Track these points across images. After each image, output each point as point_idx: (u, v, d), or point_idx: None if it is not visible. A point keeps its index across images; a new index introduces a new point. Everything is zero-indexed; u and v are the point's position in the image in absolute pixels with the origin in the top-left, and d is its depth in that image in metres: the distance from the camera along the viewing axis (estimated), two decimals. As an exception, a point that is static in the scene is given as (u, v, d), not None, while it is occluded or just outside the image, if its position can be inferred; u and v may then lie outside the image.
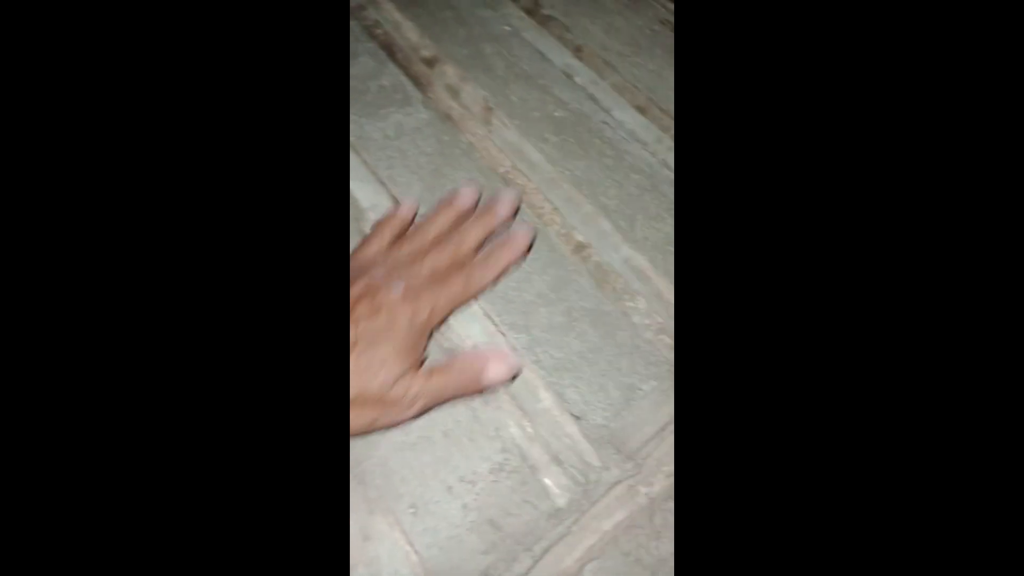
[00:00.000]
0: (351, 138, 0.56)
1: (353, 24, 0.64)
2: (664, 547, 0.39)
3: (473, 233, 0.46)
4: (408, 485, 0.41)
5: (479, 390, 0.41)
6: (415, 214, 0.49)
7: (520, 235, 0.47)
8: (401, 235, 0.47)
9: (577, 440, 0.42)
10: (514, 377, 0.43)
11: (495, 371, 0.40)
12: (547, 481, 0.41)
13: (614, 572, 0.38)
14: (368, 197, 0.53)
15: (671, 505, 0.40)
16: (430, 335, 0.43)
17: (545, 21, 0.65)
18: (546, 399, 0.44)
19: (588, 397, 0.44)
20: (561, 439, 0.42)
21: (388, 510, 0.40)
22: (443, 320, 0.44)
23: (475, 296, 0.45)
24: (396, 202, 0.53)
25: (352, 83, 0.60)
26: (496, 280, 0.46)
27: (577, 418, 0.43)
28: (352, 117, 0.58)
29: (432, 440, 0.42)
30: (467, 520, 0.40)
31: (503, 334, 0.46)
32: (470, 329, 0.47)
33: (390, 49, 0.63)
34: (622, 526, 0.39)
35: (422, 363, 0.41)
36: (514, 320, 0.47)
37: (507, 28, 0.65)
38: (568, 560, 0.39)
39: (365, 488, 0.41)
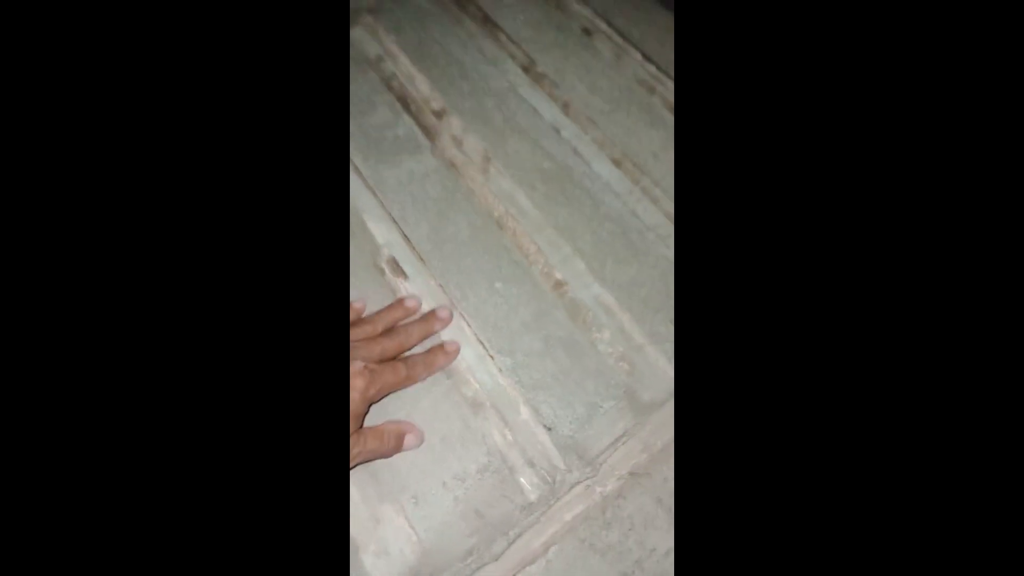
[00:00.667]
0: (370, 181, 0.65)
1: (373, 75, 0.73)
2: (612, 535, 0.48)
3: (416, 333, 0.53)
4: (411, 480, 0.50)
5: (398, 452, 0.50)
6: (364, 308, 0.57)
7: (454, 346, 0.55)
8: (356, 322, 0.54)
9: (548, 447, 0.51)
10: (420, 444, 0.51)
11: (412, 440, 0.49)
12: (522, 480, 0.50)
13: (571, 554, 0.47)
14: (383, 234, 0.62)
15: (620, 502, 0.49)
16: (370, 406, 0.50)
17: (539, 78, 0.74)
18: (524, 412, 0.53)
19: (558, 412, 0.53)
20: (535, 446, 0.51)
21: (395, 500, 0.49)
22: (382, 398, 0.51)
23: (411, 384, 0.52)
24: (407, 240, 0.61)
25: (371, 132, 0.68)
26: (429, 375, 0.53)
27: (548, 429, 0.52)
28: (371, 163, 0.66)
29: (432, 444, 0.51)
30: (457, 509, 0.49)
31: (491, 356, 0.55)
32: (464, 352, 0.56)
33: (404, 101, 0.71)
34: (580, 517, 0.49)
35: (361, 427, 0.49)
36: (501, 345, 0.56)
37: (506, 84, 0.73)
38: (536, 543, 0.48)
39: (377, 482, 0.50)
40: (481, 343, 0.56)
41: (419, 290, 0.58)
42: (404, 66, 0.73)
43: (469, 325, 0.56)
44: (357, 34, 0.76)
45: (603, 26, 0.78)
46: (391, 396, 0.52)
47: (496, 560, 0.47)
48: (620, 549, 0.48)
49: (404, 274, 0.59)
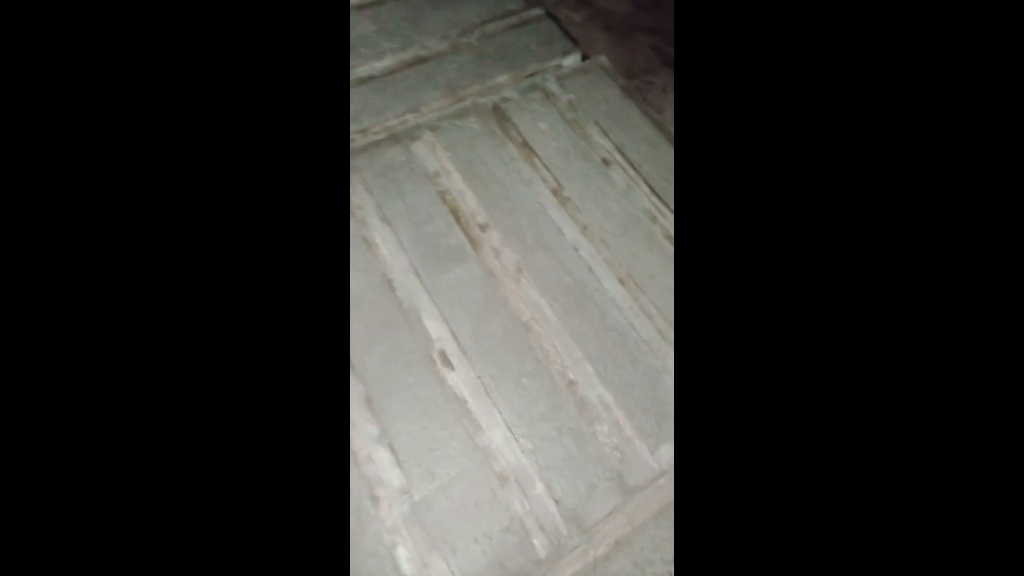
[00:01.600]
0: (427, 284, 0.79)
1: (431, 189, 0.87)
2: (600, 588, 0.63)
3: None
4: (451, 534, 0.64)
5: None
6: None
7: None
8: None
9: (556, 516, 0.66)
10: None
11: None
12: (535, 541, 0.65)
13: (568, 600, 0.62)
14: (436, 330, 0.76)
15: (607, 563, 0.64)
16: None
17: (564, 201, 0.89)
18: (539, 487, 0.68)
19: (565, 488, 0.68)
20: (546, 514, 0.66)
21: (439, 549, 0.63)
22: None
23: None
24: (455, 336, 0.76)
25: (428, 240, 0.83)
26: None
27: (557, 502, 0.67)
28: (428, 268, 0.81)
29: (467, 506, 0.66)
30: (484, 560, 0.63)
31: (516, 440, 0.70)
32: (495, 433, 0.70)
33: (456, 214, 0.86)
34: (576, 574, 0.63)
35: None
36: (524, 430, 0.71)
37: (537, 204, 0.88)
38: (542, 591, 0.62)
39: (426, 533, 0.64)
40: (508, 428, 0.70)
41: (462, 379, 0.73)
42: (456, 182, 0.89)
43: (500, 412, 0.71)
44: (419, 148, 0.91)
45: (619, 158, 0.94)
46: (438, 459, 0.67)
47: (512, 602, 0.61)
48: (604, 599, 0.62)
49: (451, 366, 0.74)
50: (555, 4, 1.13)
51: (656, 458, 0.70)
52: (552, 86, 1.00)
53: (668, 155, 0.95)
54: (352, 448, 0.67)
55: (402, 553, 0.62)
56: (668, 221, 0.88)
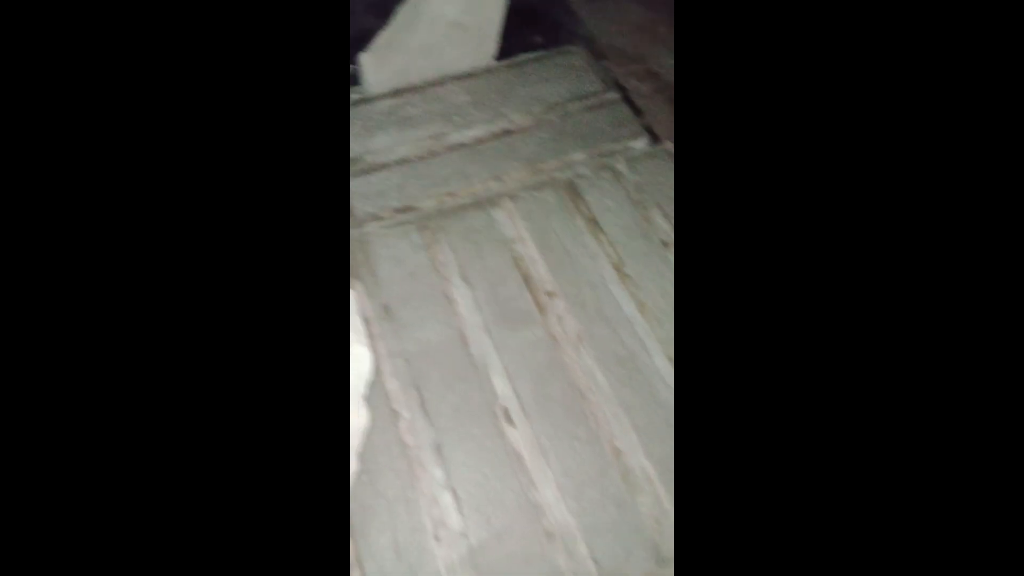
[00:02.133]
0: (497, 343, 0.87)
1: (507, 254, 0.96)
2: (629, 649, 0.69)
3: None
4: (499, 579, 0.71)
5: None
6: None
7: None
8: None
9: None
10: None
11: None
12: (575, 597, 0.71)
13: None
14: (501, 387, 0.84)
15: (638, 626, 0.70)
16: None
17: (624, 278, 0.97)
18: (582, 547, 0.73)
19: (605, 551, 0.74)
20: (586, 574, 0.72)
21: (487, 591, 0.70)
22: None
23: None
24: (517, 395, 0.84)
25: (502, 301, 0.91)
26: None
27: (596, 562, 0.73)
28: (498, 327, 0.89)
29: (517, 557, 0.72)
30: (528, 607, 0.70)
31: (565, 500, 0.77)
32: (547, 490, 0.77)
33: (527, 279, 0.94)
34: (610, 632, 0.69)
35: None
36: (572, 492, 0.77)
37: (599, 277, 0.96)
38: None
39: (476, 565, 0.71)
40: (559, 487, 0.77)
41: (521, 436, 0.80)
42: (530, 249, 0.97)
43: (552, 471, 0.78)
44: (499, 215, 1.00)
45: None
46: (494, 510, 0.74)
47: (550, 651, 0.68)
48: (632, 660, 0.68)
49: (513, 422, 0.81)
50: (625, 74, 1.22)
51: (690, 533, 0.76)
52: (622, 167, 1.09)
53: (724, 244, 1.02)
54: (420, 490, 0.75)
55: (457, 592, 0.69)
56: (719, 308, 0.95)
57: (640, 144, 1.13)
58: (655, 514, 0.76)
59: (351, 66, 1.11)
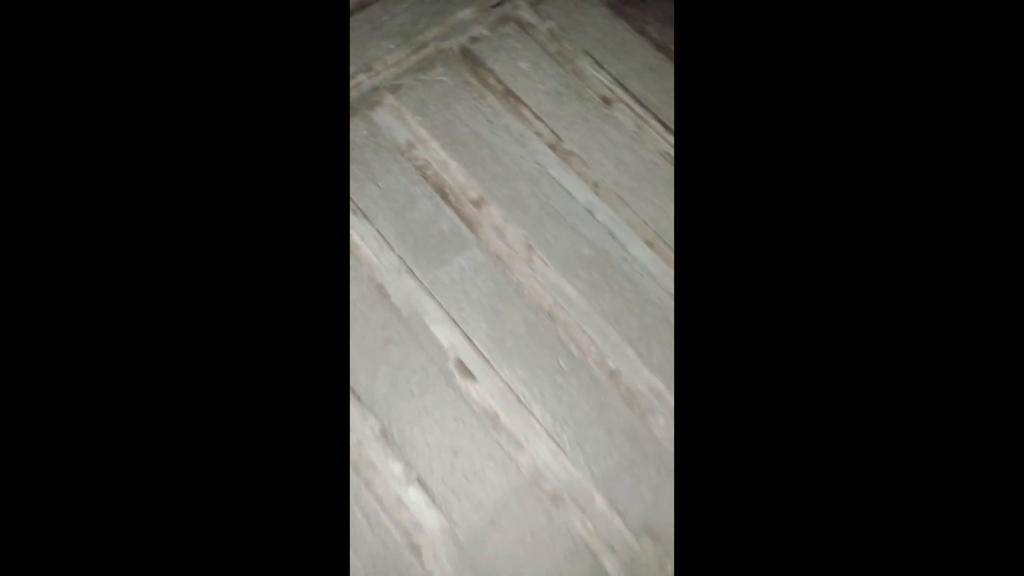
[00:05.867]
0: (426, 284, 0.68)
1: (407, 165, 0.74)
2: (685, 600, 0.57)
3: None
4: (512, 573, 0.57)
5: None
6: None
7: None
8: None
9: (623, 531, 0.59)
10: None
11: None
12: (606, 564, 0.58)
13: (653, 620, 0.56)
14: (446, 337, 0.66)
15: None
16: None
17: (566, 156, 0.77)
18: (600, 501, 0.60)
19: (629, 497, 0.61)
20: (612, 532, 0.59)
21: (498, 593, 0.56)
22: None
23: None
24: (470, 340, 0.66)
25: (417, 229, 0.70)
26: None
27: (622, 514, 0.60)
28: (423, 264, 0.69)
29: (523, 539, 0.58)
30: (552, 594, 0.57)
31: (564, 451, 0.62)
32: (538, 447, 0.62)
33: (443, 191, 0.73)
34: (657, 589, 0.57)
35: None
36: (571, 438, 0.62)
37: (535, 165, 0.76)
38: (623, 616, 0.56)
39: (475, 565, 0.57)
40: (552, 438, 0.62)
41: (488, 391, 0.63)
42: (435, 152, 0.75)
43: (538, 421, 0.63)
44: (382, 117, 0.77)
45: (621, 93, 0.81)
46: (478, 489, 0.58)
47: (593, 637, 0.55)
48: (691, 610, 0.57)
49: (472, 376, 0.64)
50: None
51: (722, 443, 0.63)
52: (526, 14, 0.85)
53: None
54: (377, 492, 0.58)
55: (459, 608, 0.55)
56: (690, 162, 0.77)
57: (542, -20, 0.88)
58: (673, 434, 0.63)
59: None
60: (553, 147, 0.77)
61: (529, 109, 0.79)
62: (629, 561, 0.58)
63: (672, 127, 0.79)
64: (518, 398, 0.63)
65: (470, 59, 0.81)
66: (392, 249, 0.69)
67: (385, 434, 0.61)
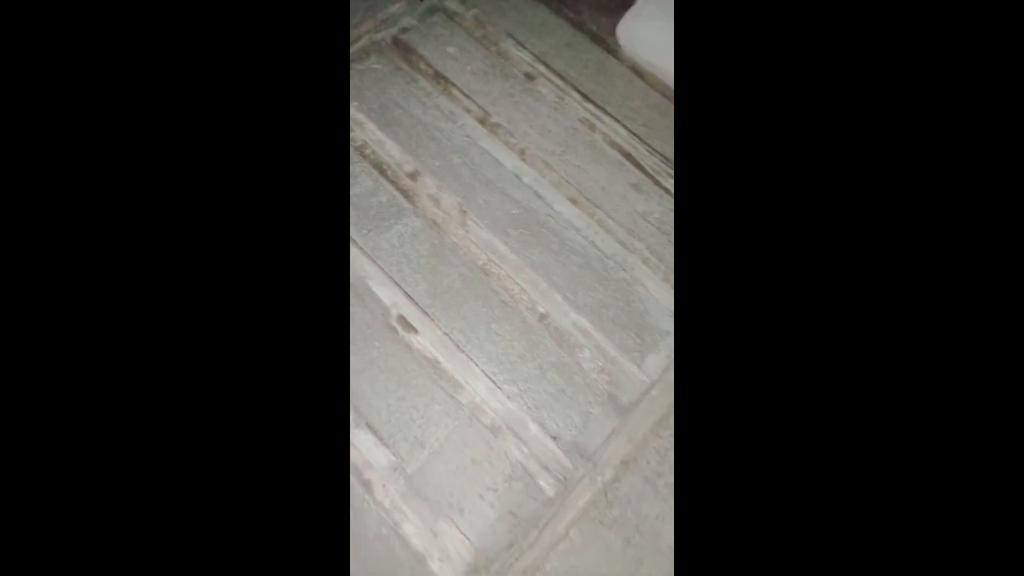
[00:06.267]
0: (367, 250, 0.74)
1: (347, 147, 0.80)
2: (615, 511, 0.63)
3: None
4: (454, 497, 0.63)
5: None
6: None
7: None
8: None
9: (556, 453, 0.65)
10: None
11: None
12: (541, 482, 0.64)
13: (587, 531, 0.62)
14: (388, 296, 0.72)
15: (617, 485, 0.64)
16: None
17: (494, 129, 0.84)
18: (534, 428, 0.66)
19: (560, 423, 0.67)
20: (546, 453, 0.65)
21: (445, 515, 0.62)
22: None
23: None
24: (410, 298, 0.72)
25: (358, 202, 0.77)
26: None
27: (555, 438, 0.66)
28: (364, 232, 0.75)
29: (464, 466, 0.64)
30: (494, 514, 0.63)
31: (499, 388, 0.68)
32: (476, 386, 0.68)
33: (380, 167, 0.79)
34: (589, 503, 0.63)
35: None
36: (506, 376, 0.69)
37: (466, 138, 0.83)
38: (559, 528, 0.62)
39: (428, 503, 0.62)
40: (489, 377, 0.68)
41: (429, 341, 0.69)
42: (372, 132, 0.82)
43: (476, 363, 0.69)
44: (323, 105, 0.83)
45: (542, 69, 0.88)
46: (423, 427, 0.64)
47: (532, 546, 0.61)
48: (622, 520, 0.63)
49: (414, 329, 0.70)
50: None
51: (644, 370, 0.70)
52: (452, 4, 0.92)
53: (592, 55, 0.90)
54: (329, 439, 0.64)
55: (408, 530, 0.61)
56: (607, 126, 0.84)
57: (466, -28, 0.95)
58: (600, 365, 0.69)
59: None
60: (482, 121, 0.83)
61: (458, 89, 0.85)
62: (563, 478, 0.64)
63: (591, 96, 0.86)
64: (457, 345, 0.70)
65: (401, 48, 0.88)
66: (335, 221, 0.75)
67: (336, 385, 0.67)
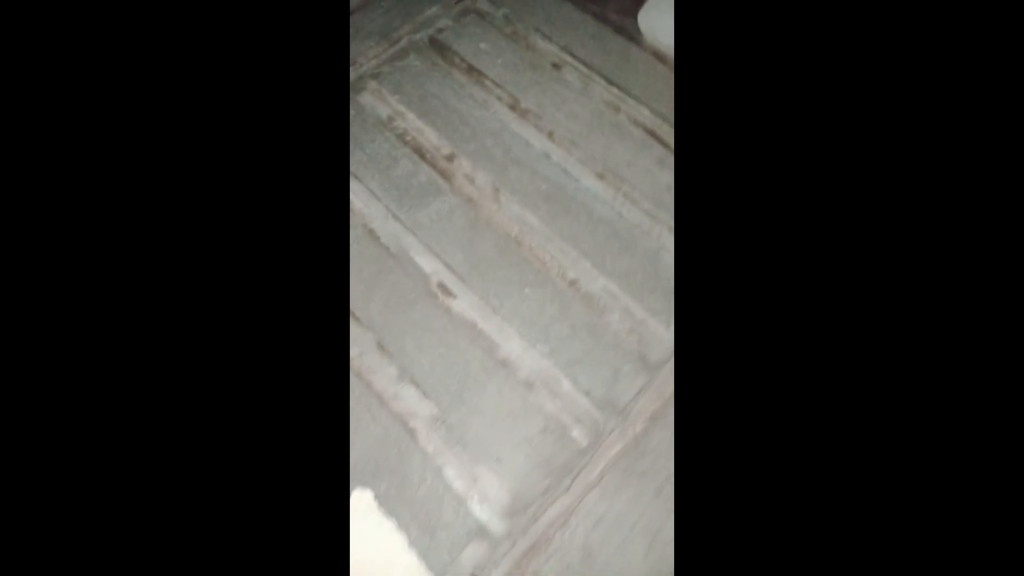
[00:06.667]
0: (408, 225, 0.80)
1: (389, 134, 0.87)
2: (645, 462, 0.66)
3: None
4: (492, 446, 0.67)
5: None
6: None
7: None
8: None
9: (588, 407, 0.69)
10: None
11: None
12: (574, 433, 0.67)
13: (618, 480, 0.65)
14: (428, 265, 0.77)
15: (647, 438, 0.67)
16: None
17: (524, 114, 0.89)
18: (566, 384, 0.70)
19: (592, 379, 0.70)
20: (579, 407, 0.69)
21: (484, 462, 0.66)
22: None
23: None
24: (448, 266, 0.77)
25: (399, 182, 0.83)
26: None
27: (587, 393, 0.69)
28: (405, 209, 0.81)
29: (501, 418, 0.68)
30: (530, 462, 0.66)
31: (533, 346, 0.72)
32: (511, 345, 0.72)
33: (420, 152, 0.86)
34: (620, 453, 0.66)
35: None
36: (538, 336, 0.73)
37: (498, 123, 0.89)
38: (592, 476, 0.65)
39: (467, 451, 0.66)
40: (523, 337, 0.72)
41: (467, 305, 0.74)
42: (412, 121, 0.89)
43: (510, 325, 0.73)
44: (366, 99, 0.91)
45: (568, 59, 0.94)
46: (463, 382, 0.69)
47: (566, 492, 0.64)
48: (652, 471, 0.65)
49: (452, 294, 0.75)
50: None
51: (671, 331, 0.72)
52: (484, 5, 0.99)
53: (615, 44, 0.95)
54: (377, 390, 0.69)
55: (450, 473, 0.65)
56: (631, 108, 0.89)
57: (496, -23, 1.03)
58: (629, 326, 0.72)
59: None
60: (512, 107, 0.89)
61: (490, 79, 0.92)
62: (595, 430, 0.67)
63: (615, 81, 0.91)
64: (492, 308, 0.74)
65: (437, 46, 0.96)
66: (379, 200, 0.82)
67: (380, 345, 0.72)
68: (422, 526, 0.62)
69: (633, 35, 0.96)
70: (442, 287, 0.76)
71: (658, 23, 0.93)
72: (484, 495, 0.64)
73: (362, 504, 0.63)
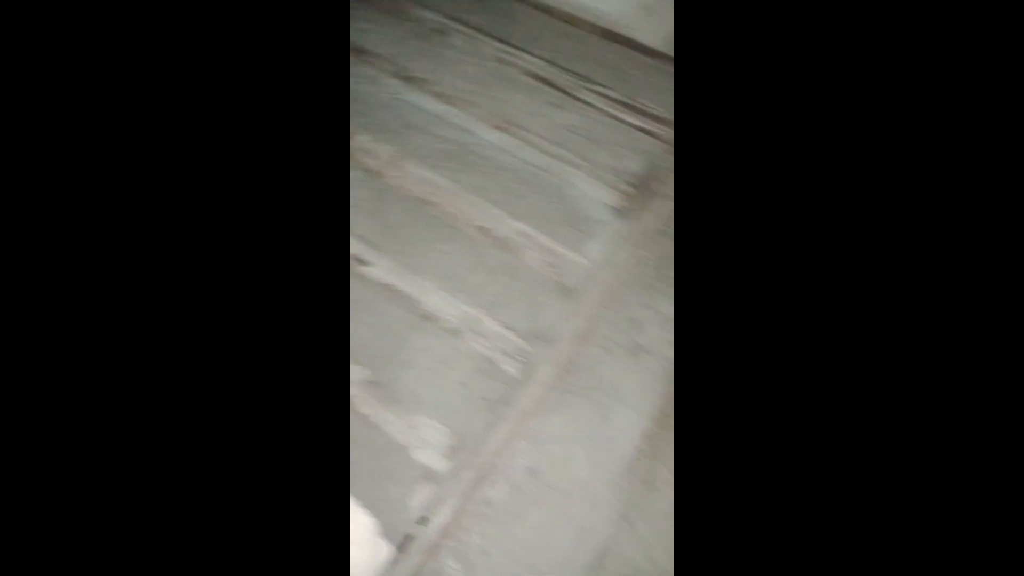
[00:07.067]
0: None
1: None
2: (576, 379, 0.68)
3: None
4: (430, 394, 0.68)
5: None
6: None
7: None
8: None
9: (515, 341, 0.70)
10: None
11: None
12: (506, 367, 0.69)
13: (554, 398, 0.67)
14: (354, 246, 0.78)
15: (577, 357, 0.69)
16: None
17: (414, 81, 0.91)
18: (491, 324, 0.71)
19: (515, 315, 0.72)
20: (507, 343, 0.70)
21: (423, 413, 0.67)
22: None
23: None
24: (359, 237, 0.78)
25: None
26: None
27: (512, 328, 0.71)
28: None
29: (434, 367, 0.69)
30: (467, 401, 0.67)
31: (453, 296, 0.73)
32: (431, 298, 0.73)
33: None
34: (553, 376, 0.68)
35: None
36: (457, 286, 0.74)
37: (389, 95, 0.90)
38: (529, 402, 0.67)
39: (399, 403, 0.67)
40: (442, 290, 0.74)
41: (381, 270, 0.75)
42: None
43: (428, 280, 0.74)
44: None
45: (453, 24, 0.96)
46: (391, 343, 0.70)
47: (505, 421, 0.66)
48: (585, 385, 0.68)
49: (366, 263, 0.76)
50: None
51: (585, 255, 0.75)
52: (362, -13, 1.01)
53: (501, 3, 0.97)
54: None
55: (390, 429, 0.65)
56: (520, 59, 0.91)
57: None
58: (544, 259, 0.75)
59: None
60: (401, 77, 0.91)
61: (376, 56, 0.93)
62: (525, 360, 0.69)
63: (502, 37, 0.94)
64: (408, 268, 0.75)
65: (322, 32, 0.96)
66: (283, 186, 0.82)
67: (305, 323, 0.72)
68: (368, 483, 0.63)
69: (512, -7, 0.99)
70: (356, 258, 0.76)
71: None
72: (425, 441, 0.65)
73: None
